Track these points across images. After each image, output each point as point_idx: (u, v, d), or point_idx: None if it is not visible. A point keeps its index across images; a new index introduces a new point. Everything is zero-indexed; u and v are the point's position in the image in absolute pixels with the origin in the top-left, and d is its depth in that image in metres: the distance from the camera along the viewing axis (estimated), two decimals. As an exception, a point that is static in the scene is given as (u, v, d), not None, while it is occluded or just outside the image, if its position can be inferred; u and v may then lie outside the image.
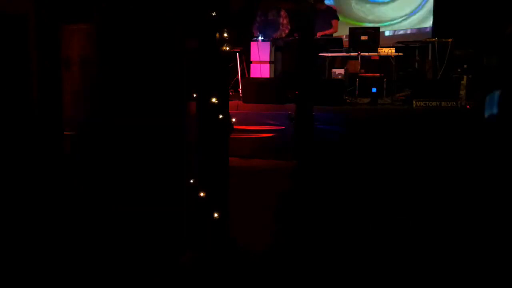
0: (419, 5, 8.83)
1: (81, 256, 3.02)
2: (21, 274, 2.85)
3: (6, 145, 3.10)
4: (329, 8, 8.06)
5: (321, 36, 7.78)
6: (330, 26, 7.89)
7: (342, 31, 8.22)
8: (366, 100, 6.87)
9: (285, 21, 7.62)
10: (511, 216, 4.13)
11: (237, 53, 7.36)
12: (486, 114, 4.05)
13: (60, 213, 3.11)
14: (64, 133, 3.26)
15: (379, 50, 7.19)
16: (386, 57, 7.33)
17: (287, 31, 7.62)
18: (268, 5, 7.72)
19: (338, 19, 8.03)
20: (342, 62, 7.72)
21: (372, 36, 7.12)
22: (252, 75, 7.39)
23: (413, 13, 8.91)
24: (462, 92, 6.57)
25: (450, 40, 7.22)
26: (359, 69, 7.21)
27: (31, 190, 3.06)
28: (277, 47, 7.59)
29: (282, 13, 7.65)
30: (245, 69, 7.64)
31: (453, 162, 5.82)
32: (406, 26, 8.97)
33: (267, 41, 7.35)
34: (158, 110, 3.23)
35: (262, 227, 4.03)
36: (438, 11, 8.55)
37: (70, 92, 3.29)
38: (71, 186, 3.24)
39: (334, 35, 8.01)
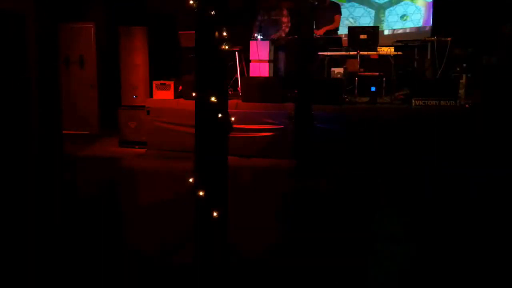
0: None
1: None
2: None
3: (5, 144, 3.10)
4: (332, 3, 8.06)
5: (324, 32, 7.78)
6: (332, 21, 7.89)
7: (341, 30, 8.21)
8: (365, 99, 6.87)
9: (285, 20, 7.61)
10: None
11: (236, 52, 7.34)
12: None
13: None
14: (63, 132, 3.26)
15: (378, 49, 7.18)
16: (385, 56, 7.32)
17: (287, 29, 7.61)
18: (270, 4, 7.71)
19: (340, 14, 8.03)
20: (341, 61, 7.71)
21: (371, 35, 7.11)
22: (251, 74, 7.37)
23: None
24: (461, 91, 6.56)
25: (449, 39, 7.21)
26: (358, 68, 7.20)
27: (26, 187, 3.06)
28: (277, 46, 7.58)
29: (284, 11, 7.65)
30: (244, 68, 7.63)
31: (452, 160, 5.83)
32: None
33: (267, 40, 7.34)
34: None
35: (261, 225, 4.03)
36: (437, 10, 8.54)
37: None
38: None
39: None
